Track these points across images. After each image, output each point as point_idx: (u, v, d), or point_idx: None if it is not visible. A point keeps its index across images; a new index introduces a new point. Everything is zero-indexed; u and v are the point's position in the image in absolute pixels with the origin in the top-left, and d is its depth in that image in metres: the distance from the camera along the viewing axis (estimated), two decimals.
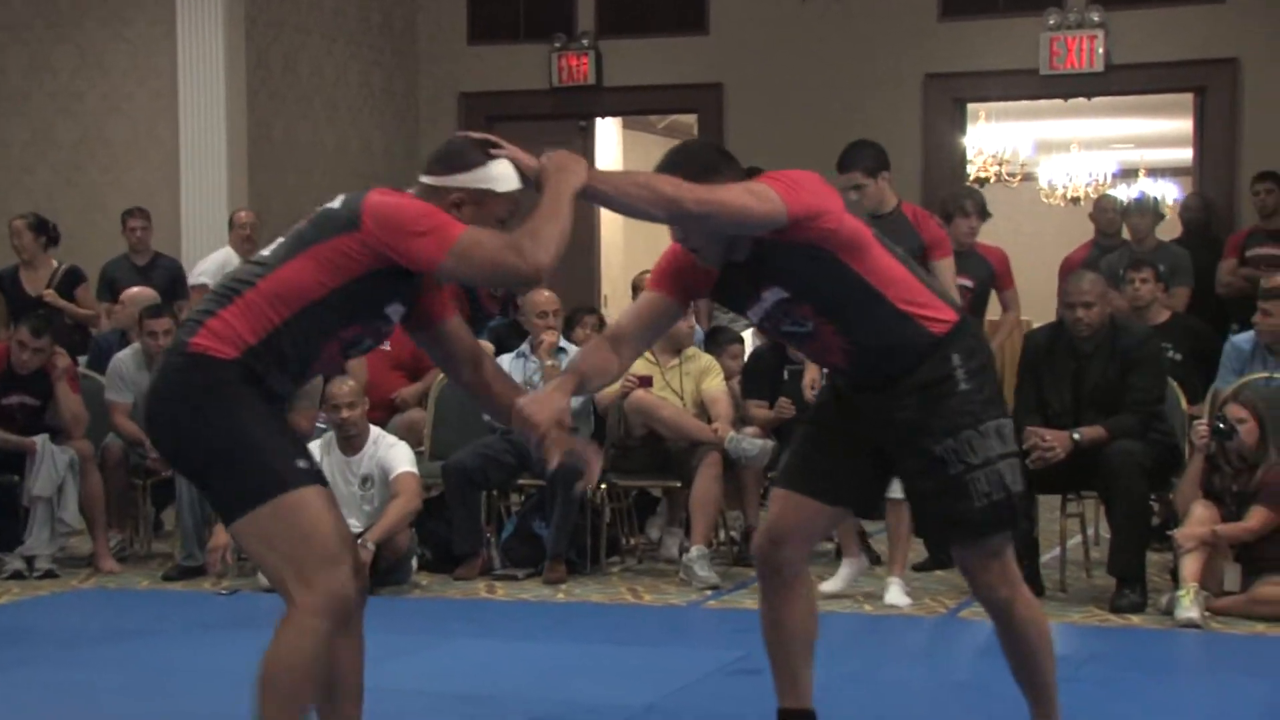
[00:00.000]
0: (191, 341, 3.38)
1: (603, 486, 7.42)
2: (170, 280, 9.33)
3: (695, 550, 7.03)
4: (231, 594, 6.91)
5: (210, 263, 9.12)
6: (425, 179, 3.54)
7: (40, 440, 7.36)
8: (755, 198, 3.52)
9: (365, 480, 7.04)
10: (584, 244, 12.01)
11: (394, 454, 7.06)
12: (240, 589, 6.98)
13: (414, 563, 7.18)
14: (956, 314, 3.71)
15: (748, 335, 8.57)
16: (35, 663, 5.60)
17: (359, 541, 6.80)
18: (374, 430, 7.16)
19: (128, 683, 5.27)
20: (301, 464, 3.39)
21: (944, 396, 3.63)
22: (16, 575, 7.23)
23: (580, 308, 8.86)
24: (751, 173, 3.70)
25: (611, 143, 14.23)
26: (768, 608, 3.92)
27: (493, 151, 3.55)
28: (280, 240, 3.53)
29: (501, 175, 3.53)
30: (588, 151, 11.99)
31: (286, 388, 3.49)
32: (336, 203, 3.50)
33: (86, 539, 7.79)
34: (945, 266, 6.45)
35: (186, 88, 9.88)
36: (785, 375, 7.54)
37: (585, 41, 11.57)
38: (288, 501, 3.33)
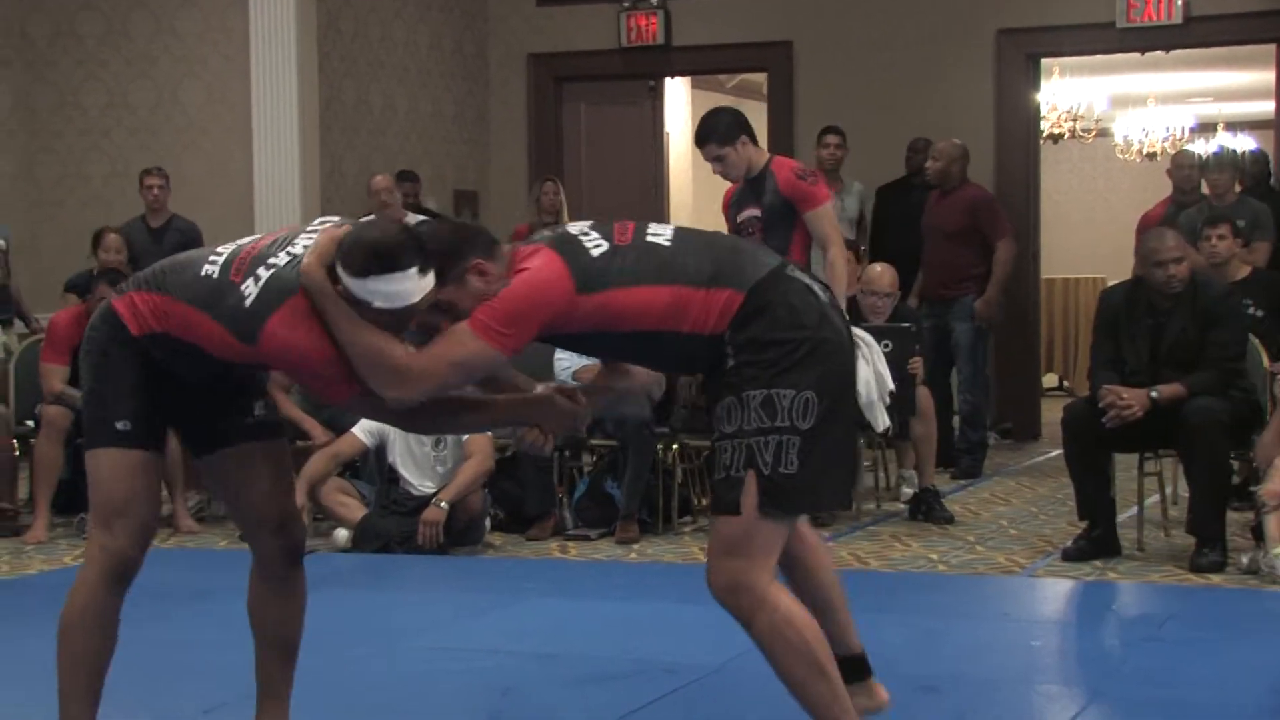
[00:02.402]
0: (115, 301, 3.58)
1: (674, 447, 7.42)
2: (182, 244, 9.32)
3: None
4: (308, 554, 6.93)
5: None
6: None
7: None
8: (471, 355, 3.36)
9: (438, 441, 7.08)
10: (653, 203, 11.99)
11: None
12: (316, 550, 7.04)
13: (487, 523, 7.21)
14: (743, 291, 3.40)
15: None
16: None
17: (432, 501, 6.86)
18: None
19: (207, 638, 5.32)
20: (120, 425, 3.51)
21: (721, 378, 3.45)
22: None
23: None
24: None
25: (680, 103, 14.18)
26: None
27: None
28: (217, 260, 3.50)
29: (380, 292, 3.32)
30: (656, 112, 11.95)
31: (197, 374, 3.59)
32: (249, 292, 3.39)
33: (165, 500, 7.87)
34: (815, 217, 6.40)
35: (258, 52, 9.92)
36: None
37: (654, 1, 11.51)
38: (98, 455, 3.55)
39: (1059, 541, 6.93)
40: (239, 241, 3.59)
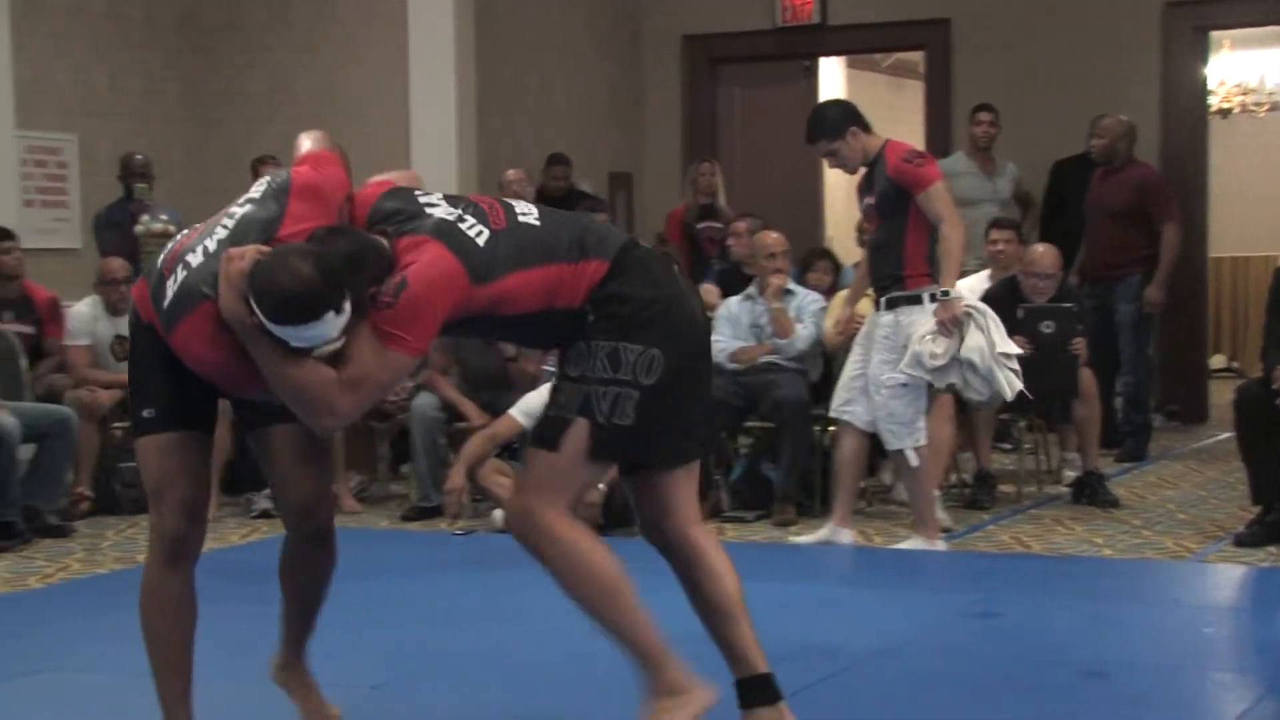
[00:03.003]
0: (134, 287, 3.71)
1: (831, 429, 7.36)
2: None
3: None
4: (466, 534, 7.03)
5: None
6: None
7: None
8: (387, 370, 3.35)
9: None
10: (809, 184, 11.91)
11: None
12: (475, 529, 7.11)
13: None
14: (607, 261, 3.48)
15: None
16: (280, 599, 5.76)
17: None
18: None
19: (371, 617, 5.39)
20: (145, 413, 3.56)
21: (582, 330, 3.49)
22: (265, 514, 7.47)
23: (814, 250, 8.81)
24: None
25: (836, 82, 14.05)
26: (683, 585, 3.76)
27: None
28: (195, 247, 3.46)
29: (297, 336, 3.26)
30: (811, 92, 11.85)
31: None
32: (169, 291, 3.40)
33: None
34: (927, 199, 6.28)
35: (416, 37, 10.02)
36: (1020, 314, 7.38)
37: None
38: (136, 445, 3.63)
39: (1230, 527, 6.76)
40: (190, 228, 3.62)
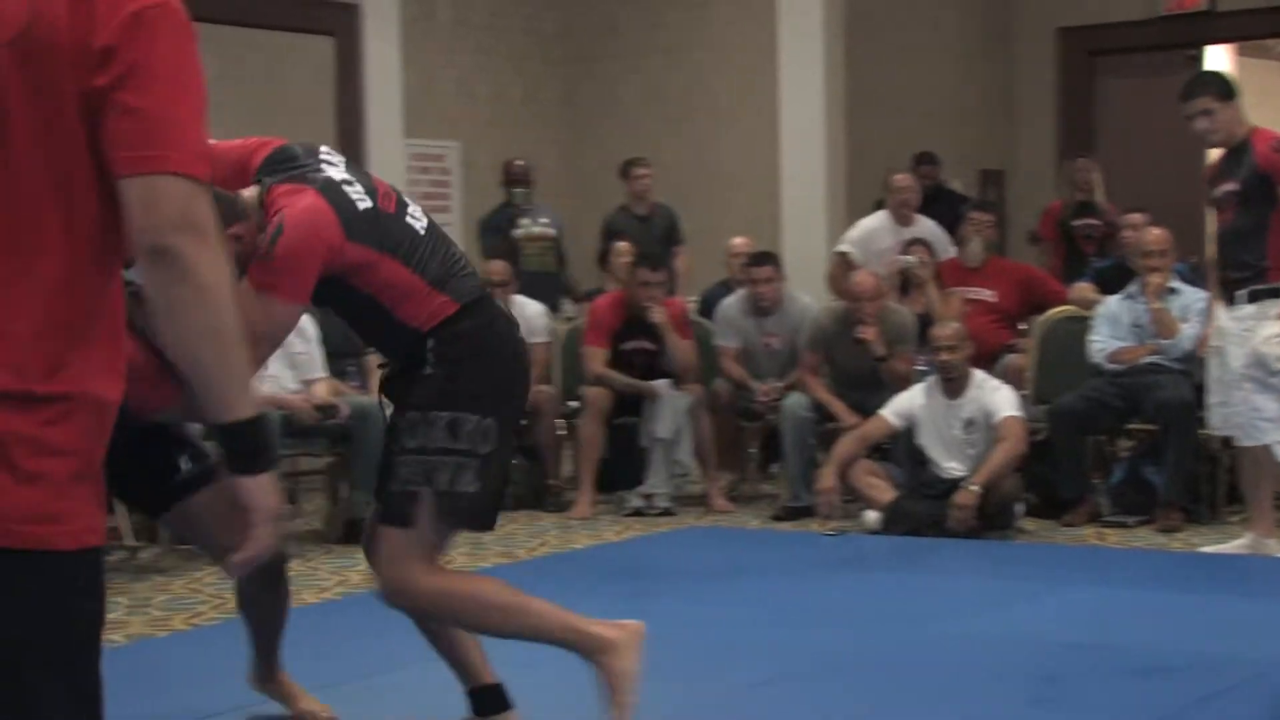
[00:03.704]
0: None
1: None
2: (667, 229, 9.50)
3: None
4: (838, 535, 7.00)
5: (859, 230, 8.80)
6: None
7: (661, 385, 7.68)
8: (270, 319, 3.32)
9: (968, 424, 6.97)
10: (1187, 169, 11.41)
11: (998, 398, 6.95)
12: (846, 530, 7.06)
13: (1019, 508, 7.05)
14: (457, 304, 3.48)
15: None
16: (656, 595, 5.84)
17: (963, 484, 6.75)
18: (977, 374, 7.07)
19: (742, 616, 5.41)
20: None
21: (414, 379, 3.51)
22: (637, 512, 7.60)
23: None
24: None
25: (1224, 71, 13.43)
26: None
27: None
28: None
29: None
30: None
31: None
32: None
33: (699, 478, 8.09)
34: None
35: (786, 38, 10.04)
36: None
37: None
38: None
39: None
40: None
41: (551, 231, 9.37)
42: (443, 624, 3.72)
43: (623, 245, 8.89)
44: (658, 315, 7.73)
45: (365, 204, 3.42)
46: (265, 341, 3.38)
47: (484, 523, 3.64)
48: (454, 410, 3.45)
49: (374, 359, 7.51)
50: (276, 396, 6.78)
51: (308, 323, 7.08)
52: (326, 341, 7.17)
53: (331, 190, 3.40)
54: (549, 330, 8.26)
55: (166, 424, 3.73)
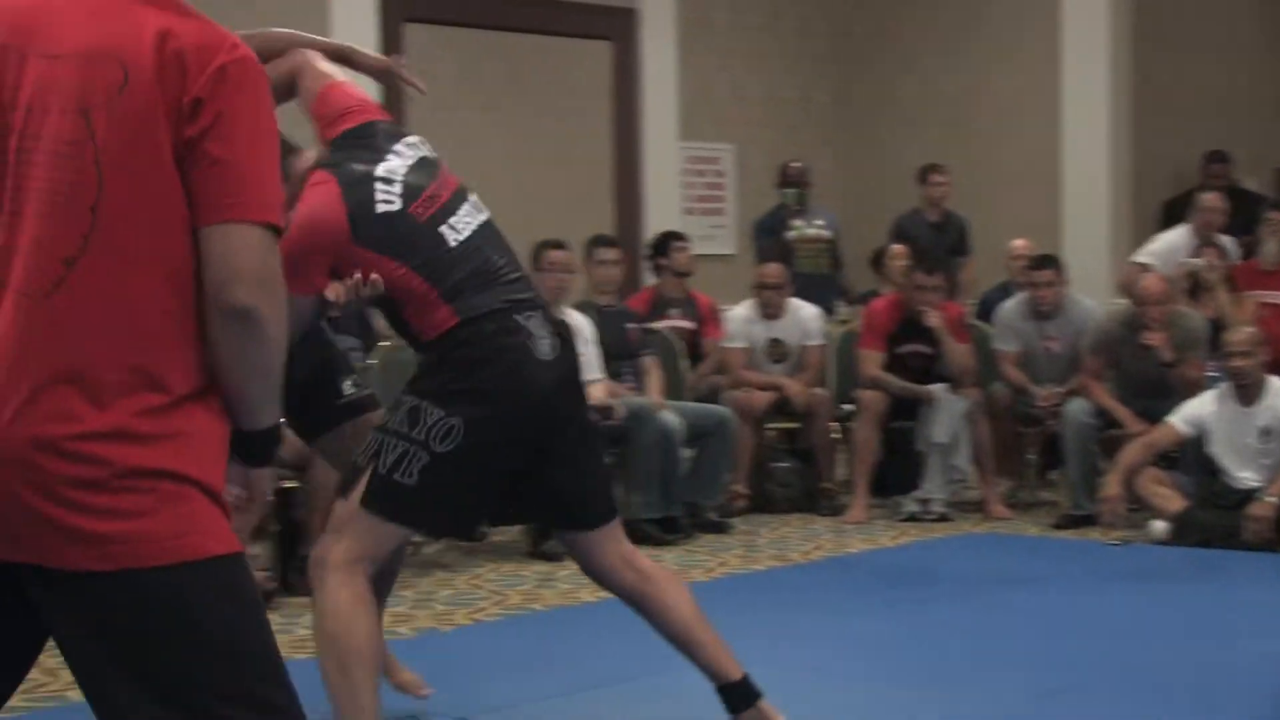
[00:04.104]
0: None
1: None
2: (958, 238, 9.31)
3: None
4: (1123, 545, 6.79)
5: (1160, 244, 8.39)
6: None
7: (938, 389, 7.56)
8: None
9: (1264, 432, 6.69)
10: None
11: None
12: (1131, 540, 6.85)
13: None
14: (458, 318, 3.39)
15: None
16: (932, 602, 5.76)
17: (1259, 495, 6.48)
18: (1274, 381, 6.78)
19: (1022, 625, 5.29)
20: None
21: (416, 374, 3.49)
22: (912, 518, 7.50)
23: None
24: None
25: None
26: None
27: None
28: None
29: None
30: None
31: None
32: None
33: (977, 484, 7.94)
34: None
35: (1071, 35, 9.79)
36: None
37: None
38: None
39: None
40: None
41: (827, 234, 9.31)
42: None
43: (898, 248, 8.79)
44: (934, 319, 7.62)
45: (390, 207, 3.42)
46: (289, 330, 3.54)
47: (417, 522, 3.52)
48: (419, 398, 3.38)
49: (651, 360, 7.59)
50: None
51: (584, 324, 7.17)
52: (603, 343, 7.25)
53: (357, 188, 3.41)
54: (823, 333, 8.21)
55: (331, 352, 3.96)
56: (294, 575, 5.87)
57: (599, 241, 7.80)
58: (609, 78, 9.79)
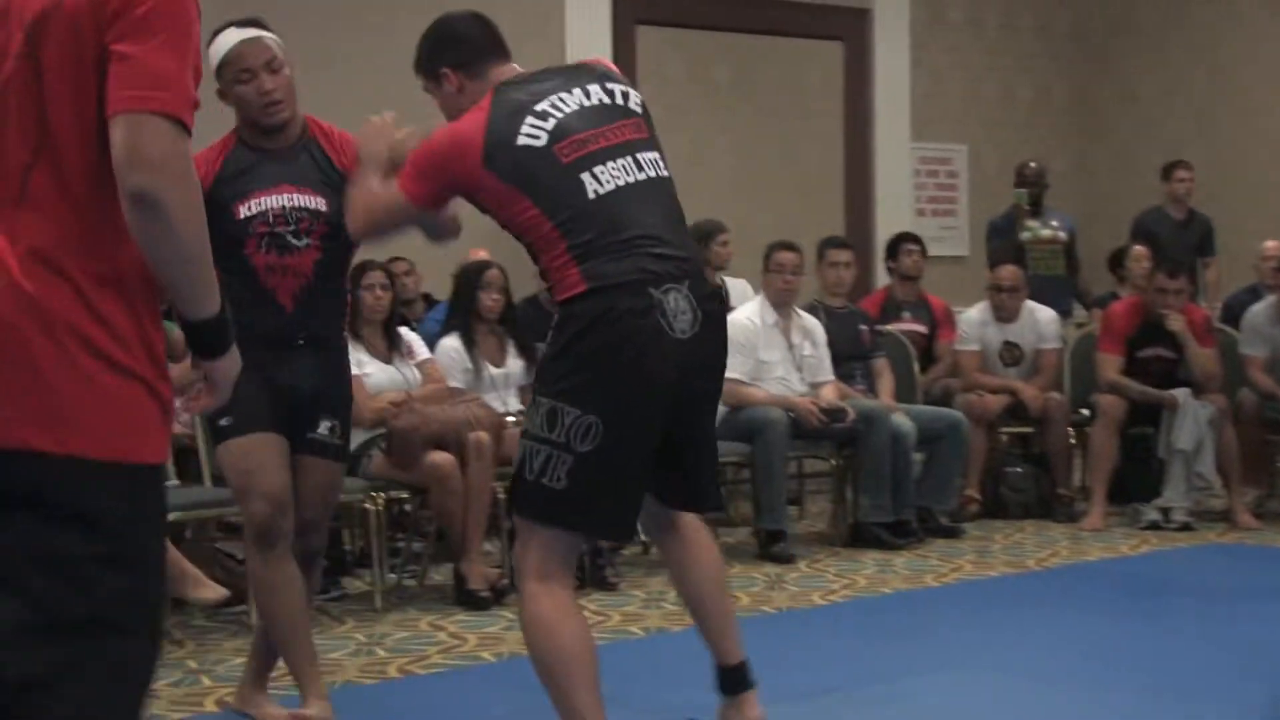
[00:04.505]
0: None
1: None
2: (1202, 237, 8.99)
3: None
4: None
5: None
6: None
7: (1181, 394, 7.34)
8: (386, 201, 3.50)
9: None
10: None
11: None
12: None
13: None
14: (585, 284, 3.25)
15: None
16: (1174, 613, 5.59)
17: None
18: None
19: (1262, 639, 5.09)
20: (223, 421, 3.95)
21: (543, 357, 3.41)
22: (1153, 526, 7.28)
23: None
24: None
25: None
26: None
27: None
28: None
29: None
30: None
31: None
32: None
33: (1221, 493, 7.69)
34: None
35: None
36: None
37: None
38: (220, 450, 4.09)
39: None
40: None
41: (1062, 235, 9.11)
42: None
43: (1139, 249, 8.57)
44: (1176, 322, 7.40)
45: (534, 141, 3.32)
46: (375, 218, 3.54)
47: (576, 524, 3.37)
48: (554, 399, 3.27)
49: (882, 363, 7.52)
50: (784, 398, 6.85)
51: (815, 326, 7.13)
52: (834, 345, 7.20)
53: (508, 117, 3.34)
54: (1059, 336, 8.04)
55: (329, 392, 4.05)
56: None
57: (831, 243, 7.75)
58: (840, 78, 9.73)
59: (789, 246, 7.12)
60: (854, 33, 9.70)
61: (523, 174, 3.30)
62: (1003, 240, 9.08)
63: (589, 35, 8.51)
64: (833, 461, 7.18)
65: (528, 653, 3.39)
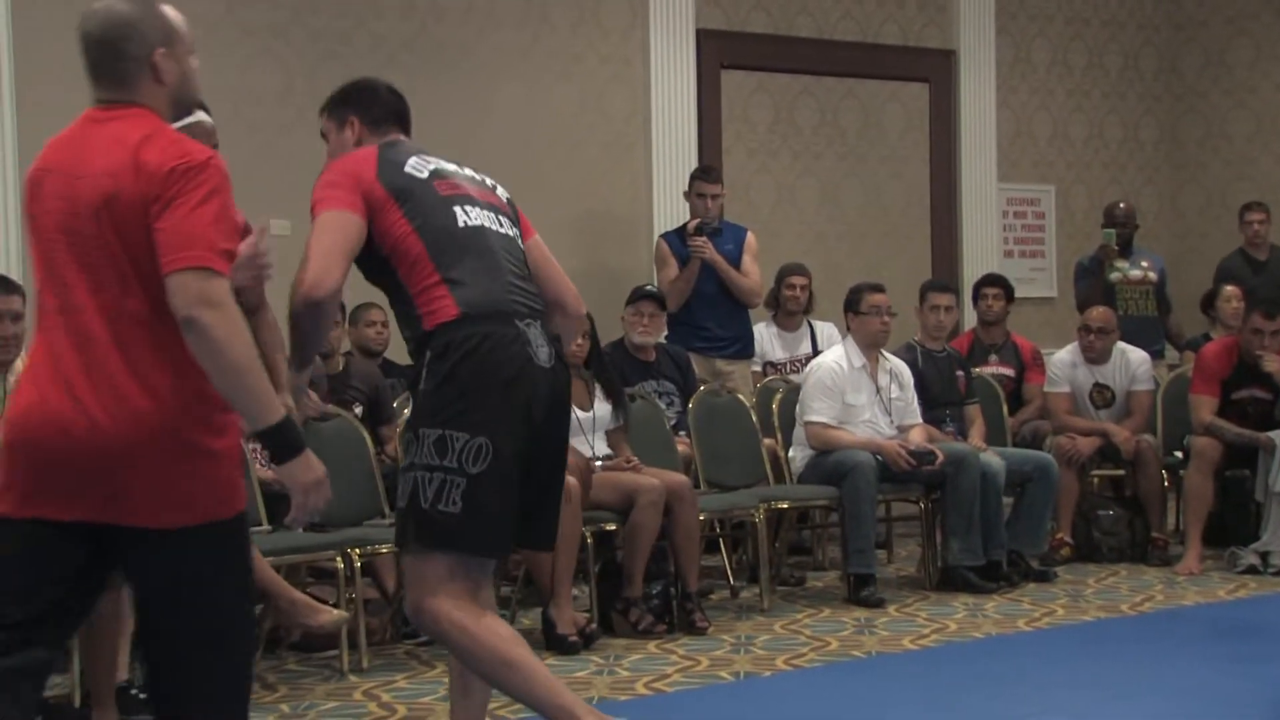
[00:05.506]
0: None
1: None
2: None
3: None
4: None
5: None
6: None
7: (1278, 436, 7.22)
8: (322, 230, 3.51)
9: None
10: None
11: None
12: None
13: None
14: (458, 310, 3.45)
15: None
16: (1271, 659, 5.48)
17: None
18: None
19: None
20: None
21: (416, 391, 3.52)
22: (1251, 570, 7.15)
23: None
24: None
25: None
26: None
27: None
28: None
29: None
30: None
31: None
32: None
33: None
34: None
35: None
36: None
37: None
38: None
39: None
40: None
41: (1152, 275, 9.00)
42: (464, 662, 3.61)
43: (1231, 289, 8.46)
44: (1272, 363, 7.29)
45: (416, 173, 3.59)
46: (324, 245, 3.46)
47: (473, 546, 3.48)
48: (442, 427, 3.41)
49: (974, 408, 7.46)
50: (871, 441, 6.81)
51: (903, 368, 7.09)
52: (928, 387, 7.15)
53: (392, 153, 3.62)
54: (1151, 378, 7.94)
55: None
56: (614, 616, 5.94)
57: (933, 286, 7.72)
58: (925, 119, 9.70)
59: (877, 288, 7.10)
60: (940, 74, 9.68)
61: (403, 189, 3.55)
62: (1091, 281, 8.99)
63: (674, 81, 8.54)
64: (921, 504, 7.13)
65: (469, 664, 3.52)
